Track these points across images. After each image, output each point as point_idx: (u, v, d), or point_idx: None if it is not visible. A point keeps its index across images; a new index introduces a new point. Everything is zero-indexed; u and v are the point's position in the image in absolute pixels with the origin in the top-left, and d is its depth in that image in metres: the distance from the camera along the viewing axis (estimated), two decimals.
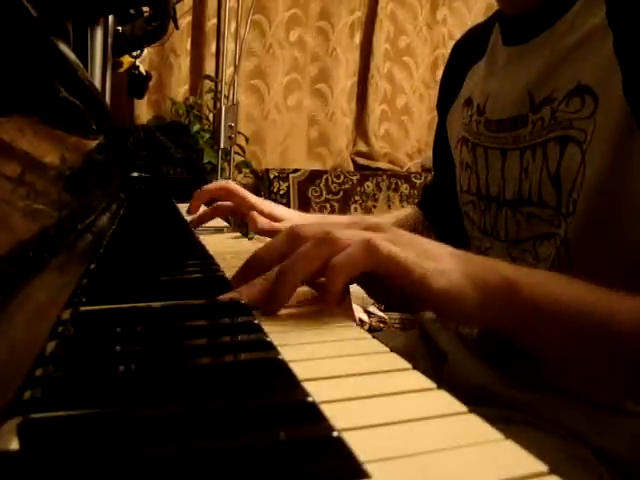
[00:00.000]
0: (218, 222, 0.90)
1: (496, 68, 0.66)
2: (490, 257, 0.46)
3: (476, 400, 0.40)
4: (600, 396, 0.54)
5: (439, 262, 0.40)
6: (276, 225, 0.72)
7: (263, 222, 0.72)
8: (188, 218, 0.85)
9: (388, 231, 0.42)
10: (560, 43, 0.56)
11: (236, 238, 0.80)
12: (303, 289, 0.46)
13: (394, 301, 0.45)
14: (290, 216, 0.78)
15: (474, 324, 0.47)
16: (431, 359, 0.73)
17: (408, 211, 0.91)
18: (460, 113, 0.73)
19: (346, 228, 0.42)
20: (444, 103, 0.80)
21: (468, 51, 0.76)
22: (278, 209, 0.79)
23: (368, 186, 2.73)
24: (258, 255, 0.45)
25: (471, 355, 0.66)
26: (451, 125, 0.77)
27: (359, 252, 0.39)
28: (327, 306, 0.41)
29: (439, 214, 0.85)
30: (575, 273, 0.53)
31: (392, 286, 0.40)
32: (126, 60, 1.30)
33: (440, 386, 0.28)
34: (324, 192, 2.66)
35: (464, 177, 0.70)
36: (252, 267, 0.44)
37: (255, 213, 0.74)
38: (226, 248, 0.72)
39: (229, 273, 0.50)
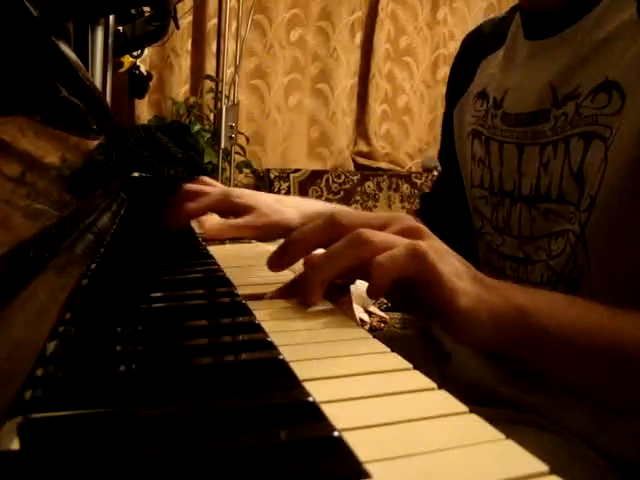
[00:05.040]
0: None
1: (516, 62, 0.65)
2: (503, 280, 0.46)
3: (480, 400, 0.40)
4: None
5: (465, 282, 0.41)
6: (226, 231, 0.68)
7: (212, 228, 0.68)
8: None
9: (426, 238, 0.42)
10: (587, 39, 0.56)
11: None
12: None
13: (412, 307, 0.45)
14: (260, 204, 0.68)
15: (487, 348, 0.48)
16: (434, 359, 0.73)
17: None
18: (471, 106, 0.72)
19: (379, 224, 0.42)
20: (453, 95, 0.78)
21: (480, 44, 0.74)
22: (250, 197, 0.69)
23: (369, 186, 2.73)
24: (295, 239, 0.45)
25: (475, 355, 0.66)
26: (459, 117, 0.76)
27: (404, 257, 0.39)
28: (374, 295, 0.40)
29: (440, 219, 0.84)
30: (591, 270, 0.53)
31: (420, 295, 0.40)
32: (127, 60, 1.30)
33: (443, 386, 0.28)
34: (325, 192, 2.66)
35: (476, 172, 0.69)
36: (287, 251, 0.44)
37: (203, 219, 0.70)
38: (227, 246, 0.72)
39: (229, 271, 0.50)
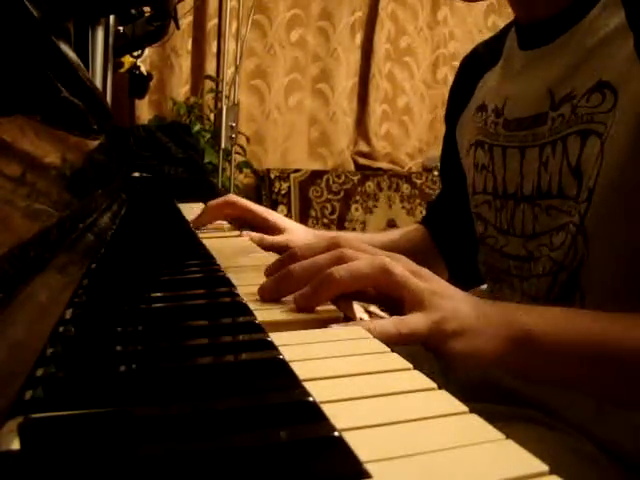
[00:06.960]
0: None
1: (514, 72, 0.69)
2: (503, 303, 0.48)
3: (482, 396, 0.41)
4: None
5: (459, 320, 0.42)
6: (278, 240, 0.76)
7: (267, 241, 0.76)
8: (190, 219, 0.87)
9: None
10: (580, 45, 0.59)
11: (235, 237, 0.80)
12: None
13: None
14: (293, 227, 0.82)
15: (492, 370, 0.51)
16: (435, 357, 0.73)
17: (414, 229, 0.93)
18: (471, 120, 0.76)
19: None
20: (453, 114, 0.82)
21: (479, 62, 0.79)
22: (282, 220, 0.83)
23: (369, 186, 2.73)
24: (296, 254, 0.46)
25: None
26: (461, 133, 0.79)
27: (371, 271, 0.41)
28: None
29: (446, 230, 0.88)
30: (591, 258, 0.55)
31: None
32: (127, 60, 1.30)
33: (446, 384, 0.28)
34: (325, 192, 2.66)
35: (478, 179, 0.72)
36: (286, 264, 0.45)
37: (256, 235, 0.77)
38: (226, 247, 0.72)
39: (229, 272, 0.50)
